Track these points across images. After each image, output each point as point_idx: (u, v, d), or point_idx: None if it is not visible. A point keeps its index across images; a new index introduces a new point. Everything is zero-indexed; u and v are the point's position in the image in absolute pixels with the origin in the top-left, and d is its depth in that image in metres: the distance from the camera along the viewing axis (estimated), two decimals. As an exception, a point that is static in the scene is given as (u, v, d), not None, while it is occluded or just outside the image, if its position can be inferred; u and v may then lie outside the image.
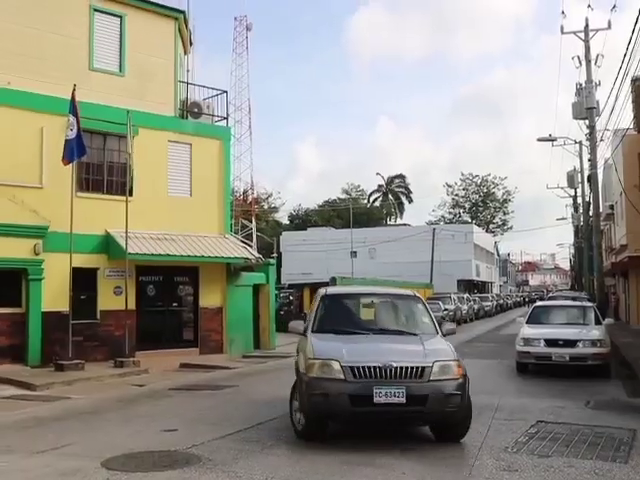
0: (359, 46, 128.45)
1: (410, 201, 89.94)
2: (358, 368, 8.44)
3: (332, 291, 11.31)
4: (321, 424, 8.94)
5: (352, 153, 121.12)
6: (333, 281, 33.47)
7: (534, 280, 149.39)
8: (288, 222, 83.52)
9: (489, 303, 55.74)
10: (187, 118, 22.50)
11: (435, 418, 8.76)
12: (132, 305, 19.85)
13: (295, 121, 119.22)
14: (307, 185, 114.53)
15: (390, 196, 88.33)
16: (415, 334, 9.82)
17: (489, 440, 9.21)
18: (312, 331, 9.82)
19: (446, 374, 8.62)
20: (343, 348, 8.81)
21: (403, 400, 8.32)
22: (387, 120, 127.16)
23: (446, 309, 37.56)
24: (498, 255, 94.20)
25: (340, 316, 10.37)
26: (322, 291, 10.89)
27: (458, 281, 62.00)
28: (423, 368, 8.52)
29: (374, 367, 8.44)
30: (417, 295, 11.13)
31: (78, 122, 17.58)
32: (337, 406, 8.38)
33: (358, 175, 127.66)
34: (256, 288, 24.10)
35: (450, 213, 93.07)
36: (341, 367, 8.46)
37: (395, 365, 8.45)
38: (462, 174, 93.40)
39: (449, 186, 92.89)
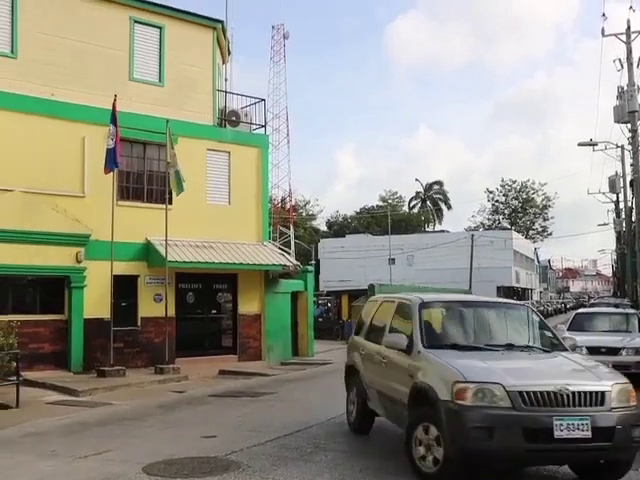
0: (399, 53, 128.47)
1: (449, 207, 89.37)
2: (529, 394, 6.90)
3: (430, 299, 9.39)
4: (468, 465, 7.12)
5: (391, 160, 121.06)
6: (371, 288, 33.40)
7: (575, 287, 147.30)
8: (326, 229, 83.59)
9: (529, 310, 54.87)
10: (225, 126, 22.70)
11: (618, 456, 7.27)
12: (172, 312, 20.05)
13: (334, 129, 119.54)
14: (345, 192, 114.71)
15: (428, 203, 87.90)
16: (548, 350, 8.49)
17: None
18: (426, 347, 8.11)
19: (626, 400, 7.24)
20: (498, 368, 7.35)
21: (588, 434, 6.83)
22: (426, 126, 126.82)
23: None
24: (538, 261, 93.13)
25: (453, 329, 8.94)
26: (415, 300, 9.02)
27: (498, 288, 61.38)
28: (603, 393, 7.10)
29: (548, 392, 6.93)
30: (528, 305, 10.12)
31: (117, 132, 17.86)
32: (507, 443, 6.76)
33: (397, 182, 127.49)
34: (294, 295, 24.16)
35: (489, 219, 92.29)
36: (506, 392, 6.90)
37: (572, 389, 6.99)
38: (502, 180, 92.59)
39: (489, 192, 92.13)
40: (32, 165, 18.06)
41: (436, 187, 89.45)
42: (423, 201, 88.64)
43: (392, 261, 59.75)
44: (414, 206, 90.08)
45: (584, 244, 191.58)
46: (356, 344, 10.59)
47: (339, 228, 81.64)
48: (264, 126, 24.43)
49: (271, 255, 22.22)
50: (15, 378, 13.79)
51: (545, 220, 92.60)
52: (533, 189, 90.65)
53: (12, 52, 18.38)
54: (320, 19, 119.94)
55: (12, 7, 18.44)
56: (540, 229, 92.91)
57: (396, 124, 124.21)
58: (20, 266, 17.61)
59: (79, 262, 18.58)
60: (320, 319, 36.29)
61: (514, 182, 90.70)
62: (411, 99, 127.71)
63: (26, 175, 17.92)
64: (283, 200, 53.81)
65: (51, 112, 18.48)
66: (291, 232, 50.96)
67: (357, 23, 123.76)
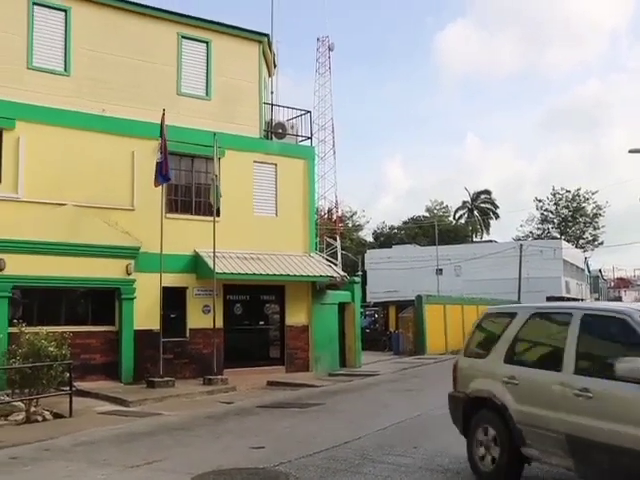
0: (448, 63, 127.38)
1: (496, 217, 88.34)
2: None
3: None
4: None
5: (439, 170, 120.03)
6: (419, 299, 33.24)
7: (628, 297, 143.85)
8: (373, 240, 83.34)
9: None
10: (272, 139, 22.88)
11: None
12: (220, 323, 20.21)
13: (381, 139, 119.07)
14: (392, 203, 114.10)
15: (475, 212, 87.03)
16: None
17: None
18: None
19: None
20: None
21: None
22: (475, 135, 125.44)
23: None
24: (589, 271, 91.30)
25: None
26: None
27: (547, 298, 60.26)
28: None
29: None
30: None
31: (165, 146, 18.13)
32: None
33: (444, 192, 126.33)
34: (341, 306, 24.13)
35: (538, 229, 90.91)
36: None
37: None
38: (553, 188, 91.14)
39: (539, 201, 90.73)
40: (84, 179, 18.47)
41: (483, 196, 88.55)
42: (470, 211, 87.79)
43: (439, 272, 59.24)
44: (461, 216, 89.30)
45: (637, 253, 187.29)
46: (484, 369, 8.27)
47: (385, 239, 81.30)
48: (310, 138, 24.58)
49: (318, 266, 22.26)
50: (68, 388, 14.07)
51: (596, 229, 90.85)
52: (584, 197, 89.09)
53: (65, 70, 18.86)
54: (366, 30, 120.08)
55: (65, 27, 18.96)
56: (590, 238, 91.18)
57: (444, 134, 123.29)
58: (73, 278, 17.97)
59: (129, 274, 18.87)
60: (367, 330, 36.18)
61: (567, 191, 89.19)
62: (460, 108, 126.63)
63: (78, 189, 18.33)
64: (329, 211, 53.85)
65: (102, 127, 18.89)
66: (338, 243, 50.94)
67: (404, 34, 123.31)
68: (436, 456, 9.14)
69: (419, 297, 33.51)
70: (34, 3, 18.53)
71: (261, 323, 22.23)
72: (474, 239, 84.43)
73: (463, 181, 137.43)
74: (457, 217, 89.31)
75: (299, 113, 24.31)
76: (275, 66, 25.67)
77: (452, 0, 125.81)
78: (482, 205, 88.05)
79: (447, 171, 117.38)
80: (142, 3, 20.72)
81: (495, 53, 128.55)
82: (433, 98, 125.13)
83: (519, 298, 53.88)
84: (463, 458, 8.34)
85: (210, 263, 19.45)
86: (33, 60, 18.40)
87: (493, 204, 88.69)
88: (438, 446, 9.69)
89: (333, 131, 49.21)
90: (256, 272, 20.34)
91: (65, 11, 19.02)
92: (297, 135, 23.76)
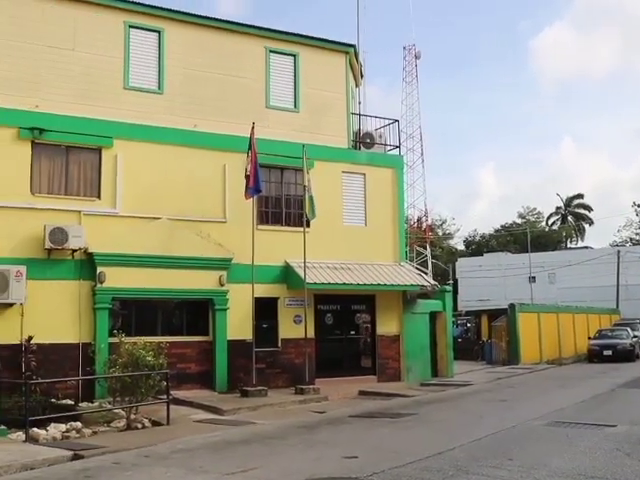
0: (543, 67, 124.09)
1: (591, 223, 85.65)
2: None
3: None
4: None
5: (532, 176, 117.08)
6: (512, 308, 32.59)
7: None
8: (464, 248, 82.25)
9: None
10: (360, 149, 22.95)
11: None
12: (311, 333, 20.35)
13: (472, 146, 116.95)
14: (484, 210, 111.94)
15: (569, 218, 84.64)
16: None
17: None
18: None
19: None
20: None
21: None
22: (569, 140, 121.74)
23: (635, 336, 35.27)
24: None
25: None
26: None
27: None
28: None
29: None
30: None
31: (256, 159, 18.46)
32: None
33: (537, 197, 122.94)
34: (433, 315, 23.91)
35: (637, 234, 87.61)
36: None
37: None
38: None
39: (637, 205, 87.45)
40: (177, 193, 19.01)
41: (577, 201, 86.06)
42: (563, 216, 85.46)
43: (532, 279, 57.91)
44: (554, 222, 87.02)
45: None
46: None
47: (477, 247, 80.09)
48: (398, 147, 24.53)
49: (408, 275, 22.15)
50: (165, 397, 14.47)
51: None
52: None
53: (159, 89, 19.51)
54: (452, 37, 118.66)
55: (159, 47, 19.63)
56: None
57: (538, 139, 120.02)
58: (168, 290, 18.50)
59: (222, 285, 19.26)
60: (459, 339, 35.65)
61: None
62: (554, 113, 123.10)
63: (172, 203, 18.88)
64: (419, 220, 53.47)
65: (194, 142, 19.41)
66: (428, 252, 50.51)
67: (496, 39, 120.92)
68: (533, 469, 8.91)
69: (512, 305, 32.84)
70: (130, 26, 19.27)
71: (352, 333, 22.27)
72: (568, 245, 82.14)
73: (557, 187, 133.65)
74: (550, 223, 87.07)
75: (387, 122, 24.33)
76: (362, 76, 25.77)
77: (548, 3, 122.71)
78: (576, 210, 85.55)
79: (540, 177, 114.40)
80: (231, 20, 21.27)
81: (592, 54, 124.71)
82: (526, 103, 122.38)
83: (617, 306, 52.08)
84: (561, 471, 8.13)
85: (301, 273, 19.64)
86: (129, 80, 19.11)
87: (588, 209, 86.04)
88: (535, 458, 9.46)
89: (421, 139, 48.89)
90: (347, 282, 20.41)
91: (159, 32, 19.69)
92: (385, 144, 23.76)
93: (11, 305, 16.38)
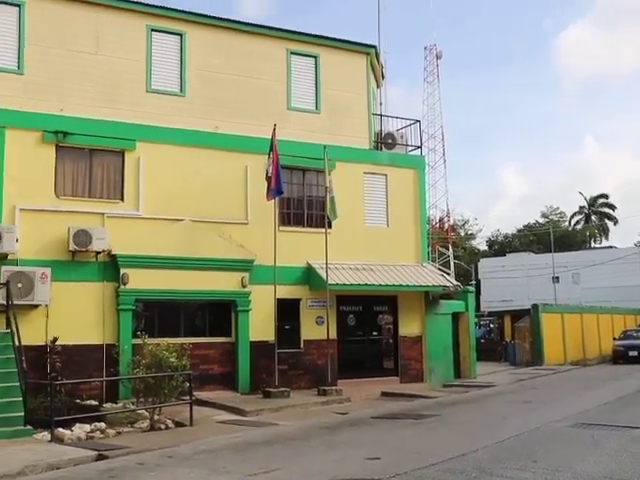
0: (566, 66, 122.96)
1: (615, 222, 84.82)
2: None
3: None
4: None
5: (556, 175, 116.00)
6: (535, 308, 32.37)
7: None
8: (486, 248, 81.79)
9: None
10: (381, 149, 22.93)
11: None
12: (333, 334, 20.34)
13: (494, 146, 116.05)
14: (507, 210, 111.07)
15: (593, 217, 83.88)
16: None
17: None
18: None
19: None
20: None
21: None
22: (593, 139, 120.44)
23: (662, 337, 34.84)
24: None
25: None
26: None
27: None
28: None
29: None
30: None
31: (277, 160, 18.51)
32: None
33: (561, 197, 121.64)
34: (455, 316, 23.82)
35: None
36: None
37: None
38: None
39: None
40: (199, 195, 19.10)
41: (601, 201, 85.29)
42: (587, 216, 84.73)
43: (556, 279, 57.47)
44: (577, 222, 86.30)
45: None
46: None
47: (500, 247, 79.61)
48: (420, 147, 24.48)
49: (431, 276, 22.08)
50: (188, 398, 14.55)
51: None
52: None
53: (181, 91, 19.63)
54: (473, 37, 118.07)
55: (180, 50, 19.77)
56: None
57: (562, 139, 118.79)
58: (191, 291, 18.60)
59: (244, 286, 19.32)
60: (482, 340, 35.50)
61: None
62: (578, 112, 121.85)
63: (194, 205, 18.97)
64: (441, 220, 53.31)
65: (216, 144, 19.49)
66: (450, 252, 50.38)
67: (518, 38, 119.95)
68: (557, 471, 8.84)
69: (535, 306, 32.62)
70: (152, 29, 19.41)
71: (374, 334, 22.25)
72: (592, 245, 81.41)
73: (580, 186, 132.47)
74: (573, 223, 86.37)
75: (408, 123, 24.28)
76: (383, 77, 25.74)
77: (571, 2, 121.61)
78: (600, 210, 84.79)
79: (564, 176, 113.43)
80: (252, 22, 21.35)
81: (615, 53, 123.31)
82: (549, 102, 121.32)
83: (643, 306, 51.51)
84: (587, 474, 8.07)
85: (323, 274, 19.65)
86: (151, 83, 19.25)
87: (612, 208, 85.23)
88: (559, 461, 9.39)
89: (443, 139, 48.84)
90: (369, 283, 20.39)
91: (180, 35, 19.81)
92: (407, 145, 23.71)
93: (36, 307, 16.56)
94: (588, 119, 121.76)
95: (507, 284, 59.63)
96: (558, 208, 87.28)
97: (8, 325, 14.55)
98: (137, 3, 19.36)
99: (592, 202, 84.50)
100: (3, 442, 11.73)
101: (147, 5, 19.49)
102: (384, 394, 19.46)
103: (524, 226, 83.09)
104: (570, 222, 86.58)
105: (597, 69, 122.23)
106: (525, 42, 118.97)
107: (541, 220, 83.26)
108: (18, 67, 17.73)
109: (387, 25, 58.91)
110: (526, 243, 77.17)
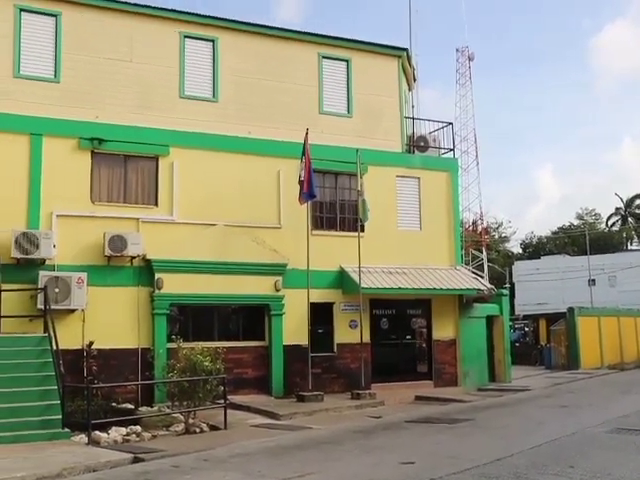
0: (604, 65, 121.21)
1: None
2: None
3: None
4: None
5: (591, 177, 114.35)
6: (571, 312, 32.02)
7: None
8: (521, 251, 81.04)
9: None
10: (414, 152, 22.85)
11: None
12: (367, 338, 20.31)
13: (529, 148, 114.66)
14: (542, 212, 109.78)
15: (630, 219, 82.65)
16: None
17: None
18: None
19: None
20: None
21: None
22: (630, 139, 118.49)
23: (701, 340, 34.25)
24: None
25: None
26: None
27: None
28: None
29: None
30: None
31: (309, 164, 18.57)
32: None
33: (596, 199, 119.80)
34: (489, 320, 23.64)
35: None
36: None
37: None
38: None
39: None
40: (232, 200, 19.23)
41: (638, 202, 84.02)
42: (623, 217, 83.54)
43: (592, 282, 56.73)
44: (614, 223, 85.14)
45: None
46: None
47: (534, 250, 78.83)
48: (452, 150, 24.34)
49: (464, 279, 21.94)
50: (223, 401, 14.64)
51: None
52: None
53: (213, 97, 19.77)
54: (506, 39, 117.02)
55: (213, 56, 19.91)
56: None
57: (598, 139, 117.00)
58: (224, 295, 18.72)
59: (278, 290, 19.39)
60: (517, 344, 35.21)
61: None
62: (615, 112, 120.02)
63: (227, 209, 19.10)
64: (474, 223, 52.93)
65: (248, 149, 19.60)
66: (484, 255, 49.97)
67: (551, 38, 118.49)
68: (595, 477, 8.73)
69: (571, 309, 32.27)
70: (185, 36, 19.59)
71: (408, 337, 22.17)
72: (629, 247, 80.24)
73: (616, 187, 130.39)
74: (610, 224, 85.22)
75: (440, 126, 24.15)
76: (415, 79, 25.67)
77: (609, 1, 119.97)
78: (637, 211, 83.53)
79: (599, 178, 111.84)
80: (283, 27, 21.43)
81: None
82: (585, 103, 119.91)
83: (682, 310, 50.62)
84: None
85: (356, 278, 19.64)
86: (185, 89, 19.42)
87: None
88: (597, 466, 9.28)
89: (476, 142, 48.42)
90: (402, 286, 20.33)
91: (213, 41, 19.97)
92: (439, 148, 23.59)
93: (73, 311, 16.79)
94: (625, 119, 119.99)
95: (542, 287, 59.01)
96: (594, 210, 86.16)
97: (46, 329, 14.80)
98: (170, 10, 19.56)
99: (629, 203, 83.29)
100: (42, 444, 11.93)
101: (180, 12, 19.68)
102: (418, 398, 19.38)
103: (559, 228, 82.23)
104: (607, 224, 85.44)
105: (636, 68, 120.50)
106: (559, 42, 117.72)
107: (576, 222, 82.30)
108: (55, 76, 18.02)
109: (419, 28, 58.73)
110: (561, 245, 76.35)
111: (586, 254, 58.99)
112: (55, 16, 18.17)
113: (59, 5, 18.22)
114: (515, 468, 9.34)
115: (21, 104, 17.30)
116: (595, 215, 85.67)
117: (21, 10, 17.80)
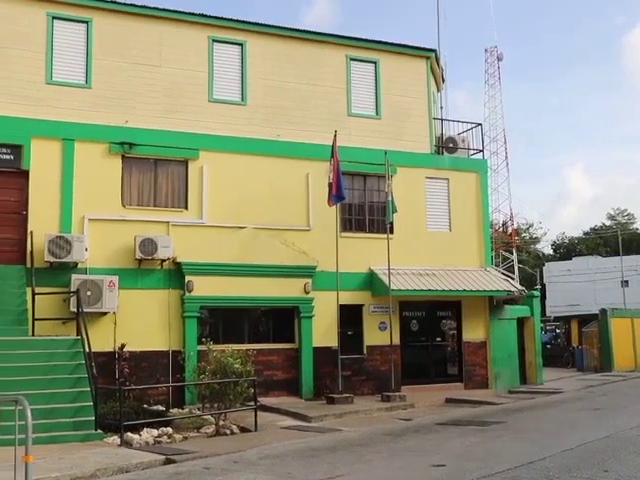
0: (637, 65, 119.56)
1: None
2: None
3: None
4: None
5: (622, 177, 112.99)
6: (604, 313, 31.65)
7: None
8: (552, 252, 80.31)
9: None
10: (443, 154, 22.76)
11: None
12: (397, 340, 20.27)
13: (559, 148, 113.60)
14: (574, 213, 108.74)
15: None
16: None
17: None
18: None
19: None
20: None
21: None
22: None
23: None
24: None
25: None
26: None
27: None
28: None
29: None
30: None
31: (338, 166, 18.59)
32: None
33: (628, 199, 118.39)
34: (520, 321, 23.47)
35: None
36: None
37: None
38: None
39: None
40: (261, 202, 19.32)
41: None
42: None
43: (625, 283, 56.01)
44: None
45: None
46: None
47: (565, 251, 78.06)
48: (482, 151, 24.17)
49: (495, 281, 21.80)
50: (253, 403, 14.69)
51: None
52: None
53: (242, 100, 19.88)
54: (536, 38, 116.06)
55: (241, 59, 20.03)
56: None
57: (630, 139, 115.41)
58: (254, 298, 18.81)
59: (307, 293, 19.44)
60: (548, 346, 34.89)
61: None
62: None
63: (256, 212, 19.19)
64: (504, 224, 52.57)
65: (277, 152, 19.68)
66: (514, 256, 49.61)
67: (582, 38, 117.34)
68: (629, 480, 8.66)
69: (604, 310, 31.89)
70: (214, 40, 19.73)
71: (438, 339, 22.07)
72: (663, 247, 79.02)
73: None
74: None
75: (470, 126, 24.04)
76: (443, 80, 25.58)
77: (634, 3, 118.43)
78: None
79: (631, 178, 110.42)
80: (311, 30, 21.48)
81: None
82: (616, 102, 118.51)
83: None
84: (659, 483, 7.84)
85: (385, 280, 19.61)
86: (213, 93, 19.55)
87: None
88: (631, 470, 9.15)
89: (505, 142, 48.14)
90: (432, 288, 20.26)
91: (241, 45, 20.09)
92: (468, 149, 23.47)
93: (105, 314, 16.99)
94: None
95: (573, 288, 58.38)
96: (626, 210, 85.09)
97: (78, 332, 15.01)
98: (198, 15, 19.70)
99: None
100: (76, 445, 12.10)
101: (208, 17, 19.81)
102: (448, 400, 19.29)
103: (590, 229, 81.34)
104: None
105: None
106: (590, 42, 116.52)
107: (608, 222, 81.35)
108: (86, 81, 18.25)
109: (448, 28, 58.52)
110: (592, 246, 75.50)
111: (618, 255, 58.31)
112: (86, 23, 18.42)
113: (90, 12, 18.47)
114: (547, 471, 9.26)
115: (54, 110, 17.58)
116: (628, 215, 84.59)
117: (53, 18, 18.07)
